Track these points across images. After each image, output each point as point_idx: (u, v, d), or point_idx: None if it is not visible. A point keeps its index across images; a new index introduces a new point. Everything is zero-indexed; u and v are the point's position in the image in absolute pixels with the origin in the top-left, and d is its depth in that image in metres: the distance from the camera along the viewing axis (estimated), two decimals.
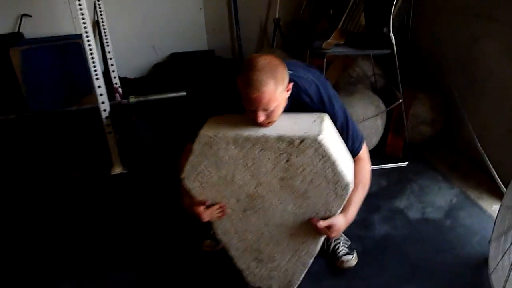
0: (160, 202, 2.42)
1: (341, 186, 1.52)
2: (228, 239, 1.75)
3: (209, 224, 1.71)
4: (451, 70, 2.62)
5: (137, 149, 2.86)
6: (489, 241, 1.82)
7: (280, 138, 1.49)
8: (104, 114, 2.58)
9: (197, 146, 1.57)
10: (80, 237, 2.21)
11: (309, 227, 1.62)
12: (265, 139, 1.50)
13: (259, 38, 4.23)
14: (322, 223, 1.55)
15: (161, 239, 2.16)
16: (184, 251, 2.08)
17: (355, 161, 1.67)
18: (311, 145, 1.47)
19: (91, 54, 2.47)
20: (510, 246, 1.58)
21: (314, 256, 1.72)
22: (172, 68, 3.80)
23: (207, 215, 1.64)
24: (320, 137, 1.46)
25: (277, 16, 3.97)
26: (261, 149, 1.52)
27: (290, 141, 1.48)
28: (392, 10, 2.24)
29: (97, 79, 2.52)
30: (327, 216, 1.58)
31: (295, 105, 1.60)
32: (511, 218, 1.67)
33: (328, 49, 2.36)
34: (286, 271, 1.77)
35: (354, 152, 1.67)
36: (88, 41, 2.43)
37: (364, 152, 1.70)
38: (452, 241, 2.01)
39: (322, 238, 1.67)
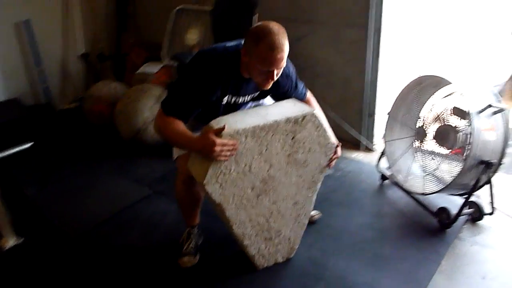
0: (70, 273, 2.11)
1: (329, 147, 1.93)
2: (243, 230, 1.90)
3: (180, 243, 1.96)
4: None
5: (25, 211, 2.44)
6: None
7: (288, 120, 1.79)
8: None
9: None
10: None
11: (305, 191, 1.97)
12: (277, 123, 1.77)
13: (77, 75, 4.00)
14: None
15: None
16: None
17: (308, 98, 2.06)
18: (310, 119, 1.83)
19: None
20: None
21: (309, 216, 2.07)
22: None
23: (222, 155, 1.65)
24: (315, 112, 1.84)
25: (84, 51, 3.87)
26: (273, 134, 1.78)
27: (295, 121, 1.80)
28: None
29: None
30: (319, 175, 1.96)
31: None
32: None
33: None
34: (289, 240, 2.05)
35: (305, 92, 2.05)
36: None
37: (308, 90, 2.09)
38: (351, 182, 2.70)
39: (315, 196, 2.03)
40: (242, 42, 1.74)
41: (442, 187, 2.22)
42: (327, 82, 3.16)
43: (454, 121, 2.28)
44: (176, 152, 1.99)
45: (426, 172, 2.41)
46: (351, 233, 2.27)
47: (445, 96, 2.39)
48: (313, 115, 1.83)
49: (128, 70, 3.93)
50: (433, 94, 2.41)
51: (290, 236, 2.05)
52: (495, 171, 2.16)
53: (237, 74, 1.76)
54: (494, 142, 2.12)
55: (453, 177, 2.15)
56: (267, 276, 2.00)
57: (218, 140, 1.63)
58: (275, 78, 1.72)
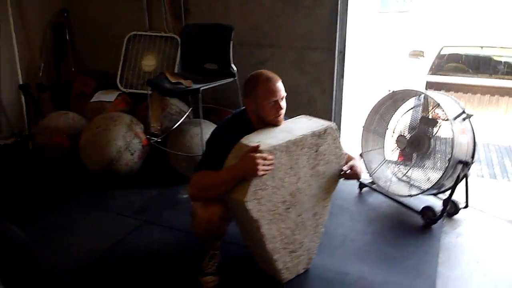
0: None
1: (341, 157, 2.06)
2: (274, 245, 1.94)
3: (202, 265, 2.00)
4: None
5: (20, 264, 2.16)
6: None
7: (313, 134, 1.90)
8: None
9: None
10: None
11: (323, 201, 2.07)
12: (305, 138, 1.87)
13: (12, 108, 3.65)
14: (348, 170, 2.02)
15: None
16: None
17: None
18: (330, 132, 1.96)
19: None
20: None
21: (325, 225, 2.17)
22: None
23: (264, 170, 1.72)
24: (333, 125, 1.98)
25: (20, 82, 3.58)
26: (301, 148, 1.87)
27: (319, 134, 1.92)
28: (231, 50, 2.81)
29: None
30: (334, 185, 2.08)
31: None
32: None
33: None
34: (309, 250, 2.13)
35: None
36: None
37: None
38: None
39: (330, 206, 2.14)
40: (241, 108, 2.01)
41: (428, 187, 2.47)
42: (293, 102, 3.30)
43: (426, 129, 2.57)
44: None
45: (405, 177, 2.66)
46: (353, 239, 2.41)
47: (412, 108, 2.69)
48: (332, 128, 1.96)
49: (73, 100, 3.71)
50: (403, 106, 2.69)
51: (310, 247, 2.13)
52: (469, 169, 2.47)
53: (250, 128, 1.93)
54: (467, 144, 2.43)
55: (437, 178, 2.41)
56: None
57: (258, 155, 1.70)
58: (283, 107, 1.93)
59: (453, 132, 2.33)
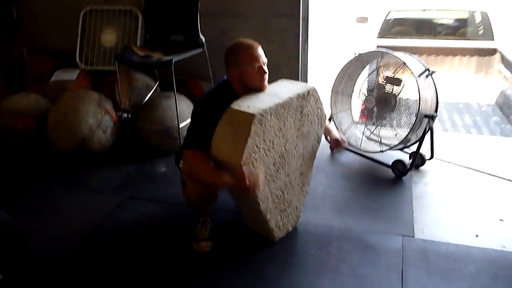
0: None
1: (323, 117, 2.16)
2: (266, 205, 2.02)
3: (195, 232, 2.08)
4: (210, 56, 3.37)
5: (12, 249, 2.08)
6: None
7: (298, 96, 1.97)
8: None
9: (252, 128, 1.78)
10: None
11: (307, 160, 2.17)
12: (291, 100, 1.94)
13: None
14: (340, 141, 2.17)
15: None
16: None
17: None
18: (312, 94, 2.04)
19: None
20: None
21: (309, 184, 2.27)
22: None
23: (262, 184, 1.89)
24: (315, 87, 2.06)
25: None
26: (288, 110, 1.94)
27: (304, 96, 1.99)
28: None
29: None
30: (317, 145, 2.18)
31: None
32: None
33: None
34: (296, 208, 2.23)
35: None
36: None
37: None
38: None
39: (313, 165, 2.24)
40: (224, 78, 2.03)
41: (397, 143, 2.64)
42: None
43: (391, 88, 2.72)
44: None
45: (373, 135, 2.82)
46: (332, 196, 2.54)
47: (377, 68, 2.82)
48: (314, 90, 2.04)
49: (30, 80, 3.55)
50: (369, 66, 2.82)
51: (297, 205, 2.23)
52: (433, 123, 2.65)
53: (235, 97, 1.94)
54: (431, 99, 2.60)
55: (406, 133, 2.58)
56: (287, 245, 2.15)
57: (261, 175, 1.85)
58: (267, 71, 1.96)
59: (419, 88, 2.49)
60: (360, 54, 2.77)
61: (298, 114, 1.99)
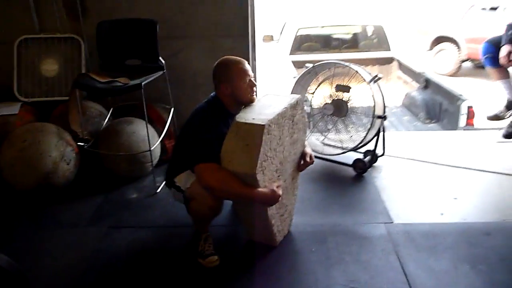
0: None
1: (306, 123, 2.35)
2: (272, 211, 2.14)
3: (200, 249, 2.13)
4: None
5: None
6: None
7: (291, 106, 2.13)
8: None
9: (264, 138, 1.91)
10: None
11: (295, 166, 2.33)
12: (286, 110, 2.10)
13: None
14: (312, 157, 2.34)
15: None
16: None
17: None
18: (299, 103, 2.22)
19: None
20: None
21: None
22: None
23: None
24: (300, 96, 2.25)
25: None
26: (284, 119, 2.10)
27: (294, 105, 2.16)
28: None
29: None
30: (302, 150, 2.36)
31: None
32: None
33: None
34: (290, 212, 2.38)
35: None
36: None
37: None
38: None
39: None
40: (211, 95, 2.16)
41: (358, 143, 2.93)
42: (210, 89, 3.45)
43: (342, 95, 3.02)
44: (184, 180, 2.11)
45: (328, 139, 3.09)
46: (309, 198, 2.73)
47: (328, 78, 3.10)
48: (300, 99, 2.23)
49: None
50: (322, 76, 3.09)
51: (291, 209, 2.38)
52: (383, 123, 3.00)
53: (225, 112, 2.11)
54: (380, 102, 2.95)
55: (365, 133, 2.88)
56: (288, 247, 2.28)
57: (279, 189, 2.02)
58: (256, 84, 2.14)
59: (373, 92, 2.81)
60: (313, 66, 3.03)
61: (290, 123, 2.15)
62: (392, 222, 2.46)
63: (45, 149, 2.62)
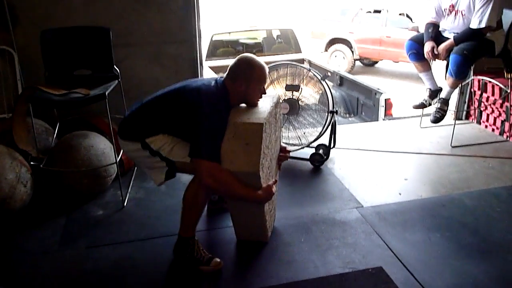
0: None
1: (281, 120, 2.47)
2: (266, 207, 2.21)
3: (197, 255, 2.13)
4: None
5: None
6: None
7: (274, 104, 2.23)
8: None
9: (263, 135, 1.98)
10: None
11: (275, 162, 2.43)
12: (273, 108, 2.19)
13: None
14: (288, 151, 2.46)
15: None
16: None
17: None
18: (279, 101, 2.34)
19: None
20: None
21: None
22: None
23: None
24: (278, 94, 2.36)
25: None
26: (271, 117, 2.19)
27: (276, 104, 2.27)
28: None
29: None
30: (280, 147, 2.47)
31: None
32: None
33: None
34: (274, 207, 2.47)
35: None
36: None
37: None
38: None
39: None
40: (217, 79, 2.12)
41: (314, 138, 3.11)
42: None
43: (292, 94, 3.19)
44: (162, 145, 2.07)
45: (291, 135, 3.24)
46: (280, 194, 2.78)
47: (274, 80, 3.25)
48: (278, 96, 2.34)
49: None
50: (275, 76, 3.23)
51: (275, 204, 2.47)
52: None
53: (228, 106, 2.11)
54: (330, 97, 3.17)
55: (321, 127, 3.08)
56: (278, 240, 2.36)
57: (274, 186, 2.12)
58: (266, 92, 2.20)
59: (325, 89, 3.02)
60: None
61: (274, 120, 2.25)
62: (362, 206, 2.67)
63: (0, 172, 2.37)
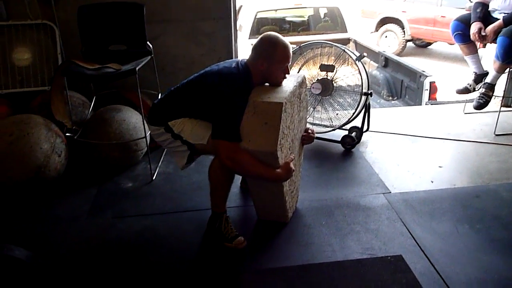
0: None
1: (308, 101, 2.42)
2: (286, 188, 2.19)
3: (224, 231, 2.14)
4: None
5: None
6: None
7: (299, 84, 2.19)
8: None
9: (282, 115, 1.95)
10: None
11: (300, 142, 2.39)
12: (296, 88, 2.15)
13: None
14: (314, 132, 2.41)
15: None
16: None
17: None
18: (304, 81, 2.28)
19: None
20: None
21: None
22: None
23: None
24: (304, 74, 2.30)
25: None
26: (294, 97, 2.15)
27: (301, 84, 2.22)
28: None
29: None
30: (305, 128, 2.42)
31: None
32: None
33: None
34: (297, 189, 2.44)
35: None
36: None
37: None
38: None
39: None
40: (240, 61, 2.10)
41: (346, 120, 3.03)
42: (190, 73, 3.40)
43: (326, 74, 3.10)
44: (182, 127, 2.10)
45: (317, 119, 3.18)
46: (308, 175, 2.79)
47: (310, 58, 3.17)
48: (304, 77, 2.28)
49: None
50: (304, 58, 3.15)
51: (298, 186, 2.44)
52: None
53: (251, 85, 2.08)
54: (365, 79, 3.06)
55: (354, 110, 2.99)
56: (299, 222, 2.34)
57: (292, 163, 2.07)
58: (290, 72, 2.15)
59: (360, 69, 2.92)
60: (299, 46, 3.08)
61: (298, 100, 2.20)
62: (390, 192, 2.59)
63: (36, 141, 2.49)
